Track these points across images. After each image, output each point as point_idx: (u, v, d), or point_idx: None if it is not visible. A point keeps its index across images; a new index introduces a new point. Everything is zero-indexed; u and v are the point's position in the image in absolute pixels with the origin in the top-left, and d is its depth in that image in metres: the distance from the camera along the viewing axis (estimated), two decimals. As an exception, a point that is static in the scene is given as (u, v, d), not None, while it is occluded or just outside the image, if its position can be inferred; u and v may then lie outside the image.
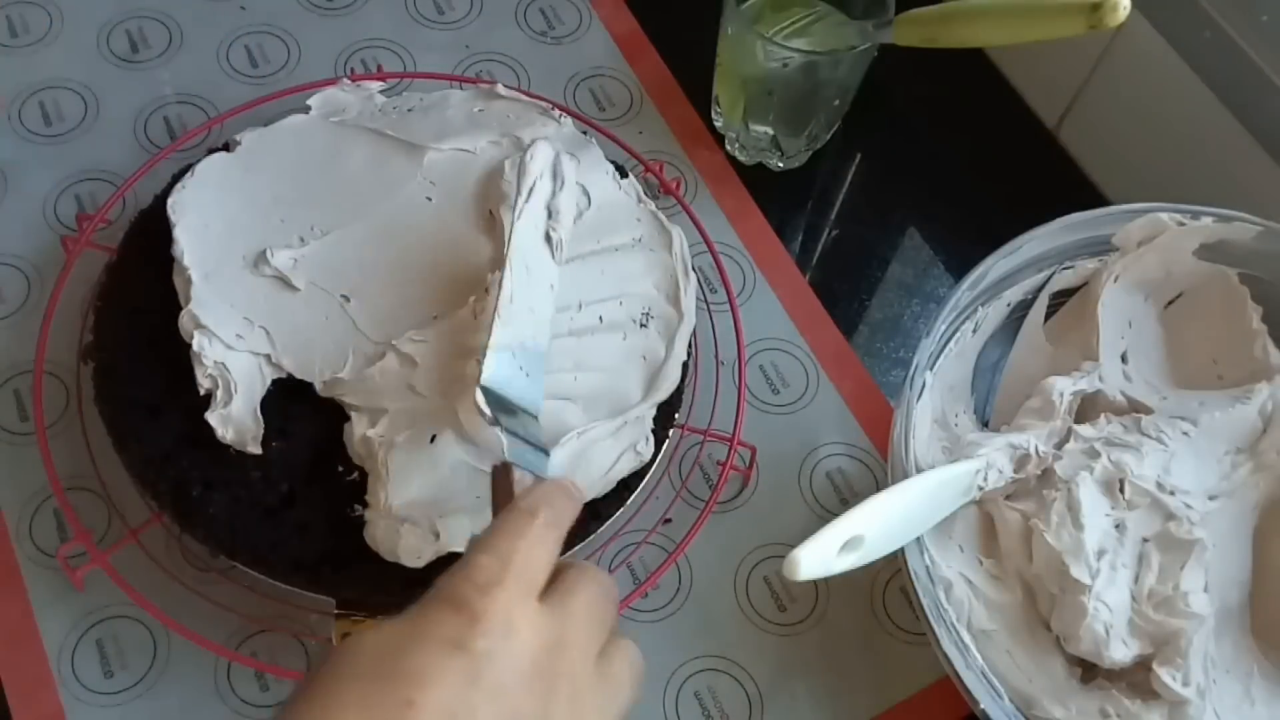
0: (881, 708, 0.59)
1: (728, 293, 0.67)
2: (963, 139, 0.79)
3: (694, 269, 0.64)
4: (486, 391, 0.50)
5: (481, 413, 0.49)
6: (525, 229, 0.57)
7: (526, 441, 0.49)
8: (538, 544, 0.40)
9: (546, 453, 0.49)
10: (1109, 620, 0.53)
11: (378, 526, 0.53)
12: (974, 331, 0.61)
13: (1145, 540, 0.56)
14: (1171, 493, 0.57)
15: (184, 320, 0.57)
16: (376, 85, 0.69)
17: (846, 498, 0.64)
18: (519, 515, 0.41)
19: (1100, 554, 0.55)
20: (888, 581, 0.62)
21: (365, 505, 0.55)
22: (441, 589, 0.38)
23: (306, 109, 0.66)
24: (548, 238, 0.58)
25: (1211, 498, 0.58)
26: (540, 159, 0.59)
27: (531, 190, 0.58)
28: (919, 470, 0.55)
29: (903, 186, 0.77)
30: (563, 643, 0.39)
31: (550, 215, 0.59)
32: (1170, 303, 0.64)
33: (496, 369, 0.51)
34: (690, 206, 0.69)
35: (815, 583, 0.61)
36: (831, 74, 0.69)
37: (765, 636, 0.60)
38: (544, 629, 0.38)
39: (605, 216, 0.64)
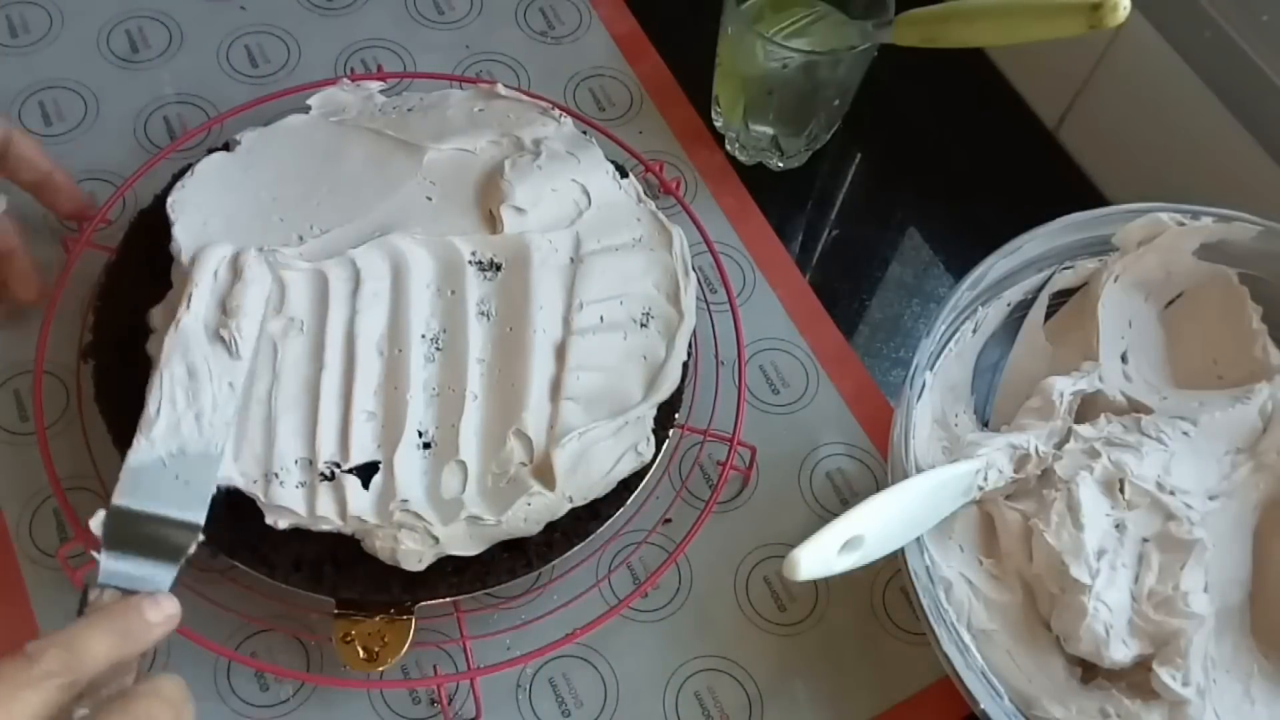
0: (881, 708, 0.59)
1: (728, 293, 0.67)
2: (963, 139, 0.79)
3: (694, 269, 0.64)
4: (118, 512, 0.49)
5: (93, 536, 0.48)
6: (184, 337, 0.55)
7: (157, 555, 0.47)
8: (27, 689, 0.37)
9: (176, 562, 0.48)
10: (1109, 620, 0.53)
11: (375, 535, 0.53)
12: (974, 331, 0.61)
13: (1145, 540, 0.56)
14: (1171, 493, 0.57)
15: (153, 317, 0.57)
16: (376, 85, 0.69)
17: (846, 498, 0.64)
18: (16, 659, 0.38)
19: (1100, 554, 0.55)
20: (888, 581, 0.62)
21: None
22: None
23: (306, 109, 0.66)
24: (220, 336, 0.55)
25: (1211, 498, 0.58)
26: (204, 265, 0.57)
27: (190, 297, 0.56)
28: (919, 470, 0.55)
29: (903, 186, 0.77)
30: None
31: (226, 312, 0.56)
32: (1170, 303, 0.64)
33: (133, 487, 0.50)
34: (690, 206, 0.69)
35: (815, 583, 0.61)
36: (831, 74, 0.69)
37: (765, 636, 0.60)
38: None
39: (605, 216, 0.64)
